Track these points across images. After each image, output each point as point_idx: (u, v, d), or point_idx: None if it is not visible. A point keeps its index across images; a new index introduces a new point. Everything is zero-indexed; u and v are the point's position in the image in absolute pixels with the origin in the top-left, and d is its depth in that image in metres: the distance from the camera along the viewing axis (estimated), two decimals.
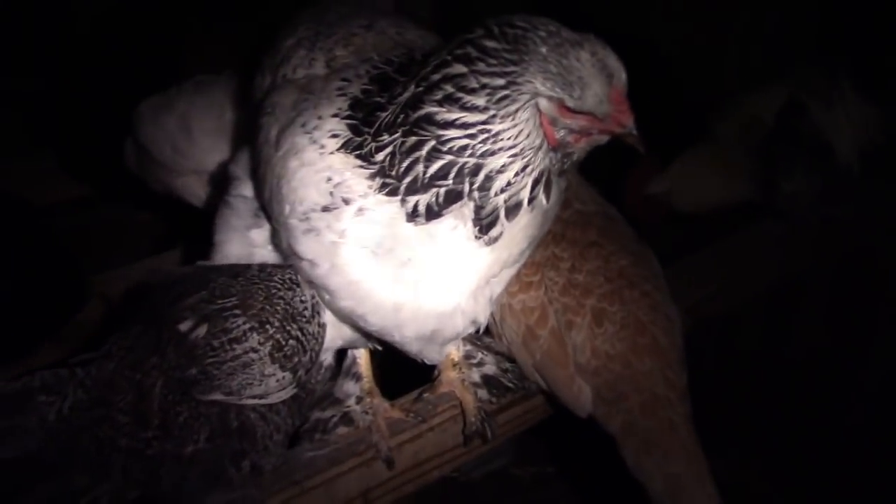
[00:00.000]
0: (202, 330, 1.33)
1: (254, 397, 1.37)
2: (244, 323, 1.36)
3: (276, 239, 1.57)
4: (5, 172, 2.72)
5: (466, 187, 1.34)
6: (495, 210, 1.36)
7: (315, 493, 1.61)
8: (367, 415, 1.72)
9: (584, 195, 1.97)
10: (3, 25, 3.08)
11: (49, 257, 1.86)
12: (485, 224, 1.38)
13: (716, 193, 2.80)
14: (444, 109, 1.31)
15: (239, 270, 1.49)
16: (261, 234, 1.64)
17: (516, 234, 1.43)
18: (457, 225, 1.38)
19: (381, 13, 1.77)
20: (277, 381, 1.40)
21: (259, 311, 1.40)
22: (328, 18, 1.84)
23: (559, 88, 1.29)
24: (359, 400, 1.75)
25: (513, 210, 1.37)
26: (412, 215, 1.37)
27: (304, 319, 1.47)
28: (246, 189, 1.68)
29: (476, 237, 1.39)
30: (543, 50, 1.27)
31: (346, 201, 1.40)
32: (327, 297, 1.52)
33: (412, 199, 1.36)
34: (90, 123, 2.82)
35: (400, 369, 1.77)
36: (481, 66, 1.29)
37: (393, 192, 1.37)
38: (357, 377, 1.78)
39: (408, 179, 1.35)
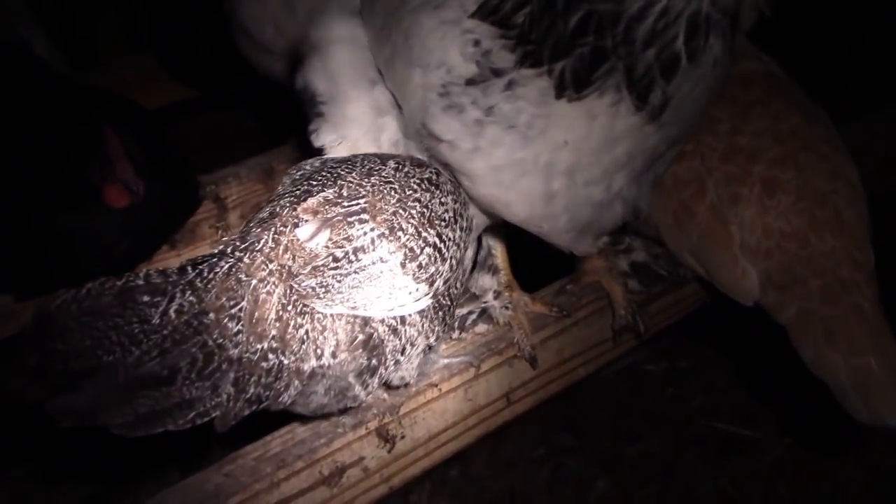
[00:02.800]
0: (323, 237, 1.16)
1: (383, 310, 1.21)
2: (372, 230, 1.18)
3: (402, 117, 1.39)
4: (110, 74, 2.65)
5: (609, 42, 1.13)
6: (649, 70, 1.15)
7: (455, 396, 1.49)
8: (507, 310, 1.57)
9: (745, 49, 1.68)
10: None
11: (164, 159, 1.75)
12: (641, 88, 1.16)
13: None
14: None
15: (373, 167, 1.29)
16: (386, 95, 1.44)
17: (686, 104, 1.21)
18: (618, 99, 1.18)
19: None
20: (410, 293, 1.22)
21: (392, 215, 1.21)
22: None
23: None
24: (497, 294, 1.59)
25: (669, 67, 1.15)
26: (560, 88, 1.19)
27: (443, 224, 1.27)
28: (358, 28, 1.46)
29: (637, 108, 1.18)
30: None
31: (497, 73, 1.21)
32: (467, 182, 1.35)
33: (557, 67, 1.18)
34: (191, 20, 2.70)
35: (534, 258, 1.59)
36: None
37: (537, 63, 1.19)
38: (494, 270, 1.61)
39: (549, 42, 1.17)
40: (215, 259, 1.13)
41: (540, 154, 1.25)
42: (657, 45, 1.13)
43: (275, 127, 3.07)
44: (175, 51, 2.78)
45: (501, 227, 1.56)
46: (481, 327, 1.57)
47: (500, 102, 1.22)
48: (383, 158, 1.32)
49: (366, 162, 1.30)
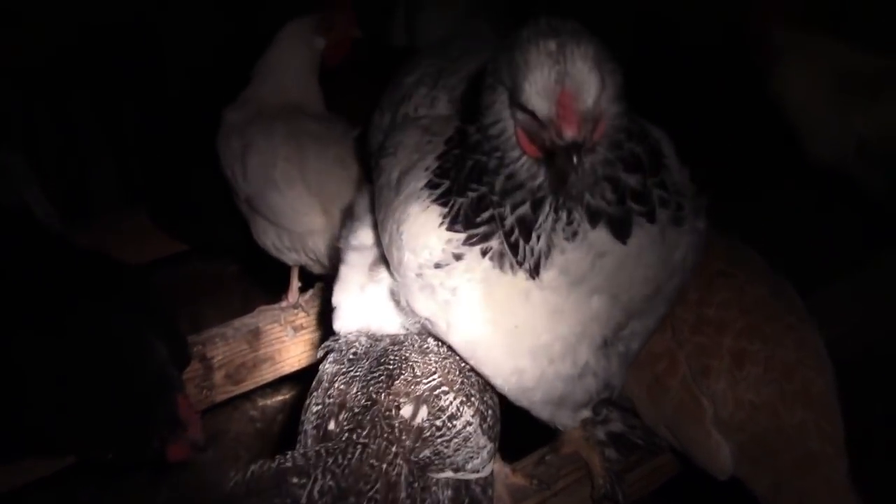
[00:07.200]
0: (423, 412, 1.36)
1: (474, 472, 1.39)
2: (454, 398, 1.39)
3: (396, 295, 1.47)
4: (104, 229, 2.72)
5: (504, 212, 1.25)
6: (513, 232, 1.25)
7: None
8: None
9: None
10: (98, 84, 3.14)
11: (151, 321, 1.78)
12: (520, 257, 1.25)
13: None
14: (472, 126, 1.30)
15: (421, 344, 1.49)
16: (376, 291, 1.54)
17: (614, 271, 1.25)
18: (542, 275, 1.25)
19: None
20: (488, 452, 1.42)
21: (462, 384, 1.42)
22: (451, 53, 1.76)
23: (508, 77, 1.15)
24: None
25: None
26: (495, 261, 1.28)
27: (490, 388, 1.46)
28: (364, 234, 1.59)
29: (530, 276, 1.25)
30: (523, 35, 1.13)
31: (457, 257, 1.30)
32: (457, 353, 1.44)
33: (486, 246, 1.28)
34: (182, 178, 2.80)
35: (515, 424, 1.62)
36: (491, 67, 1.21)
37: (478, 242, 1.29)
38: None
39: (480, 229, 1.28)
40: (344, 446, 1.32)
41: (499, 336, 1.32)
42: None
43: (256, 273, 3.13)
44: (168, 204, 2.87)
45: None
46: None
47: (463, 284, 1.30)
48: (421, 336, 1.51)
49: (412, 341, 1.50)
